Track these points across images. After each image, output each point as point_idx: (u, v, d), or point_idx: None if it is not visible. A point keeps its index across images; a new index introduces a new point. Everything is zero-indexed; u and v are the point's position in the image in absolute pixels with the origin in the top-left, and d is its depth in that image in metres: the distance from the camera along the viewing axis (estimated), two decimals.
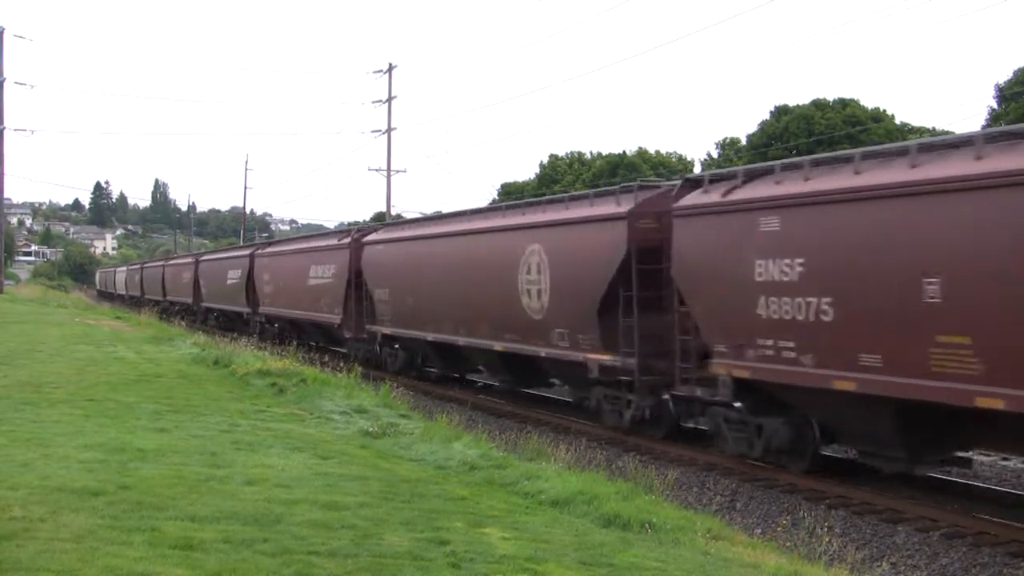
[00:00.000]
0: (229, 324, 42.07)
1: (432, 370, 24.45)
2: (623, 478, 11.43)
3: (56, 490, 7.70)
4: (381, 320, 24.67)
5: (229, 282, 40.55)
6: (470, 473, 10.11)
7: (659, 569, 6.89)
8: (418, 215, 38.21)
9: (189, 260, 51.87)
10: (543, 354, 17.33)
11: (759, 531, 10.80)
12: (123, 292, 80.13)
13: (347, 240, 27.29)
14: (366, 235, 26.94)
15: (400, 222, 31.80)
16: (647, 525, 8.15)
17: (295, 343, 26.45)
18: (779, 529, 10.63)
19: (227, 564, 6.02)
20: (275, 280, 34.94)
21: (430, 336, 21.87)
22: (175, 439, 10.50)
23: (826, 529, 10.23)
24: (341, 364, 23.06)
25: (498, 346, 18.84)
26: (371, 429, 12.43)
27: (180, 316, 46.58)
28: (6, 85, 51.84)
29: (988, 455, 13.81)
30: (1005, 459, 13.70)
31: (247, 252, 39.32)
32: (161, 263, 63.41)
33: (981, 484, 12.38)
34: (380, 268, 24.84)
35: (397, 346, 24.75)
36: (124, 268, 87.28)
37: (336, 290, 27.59)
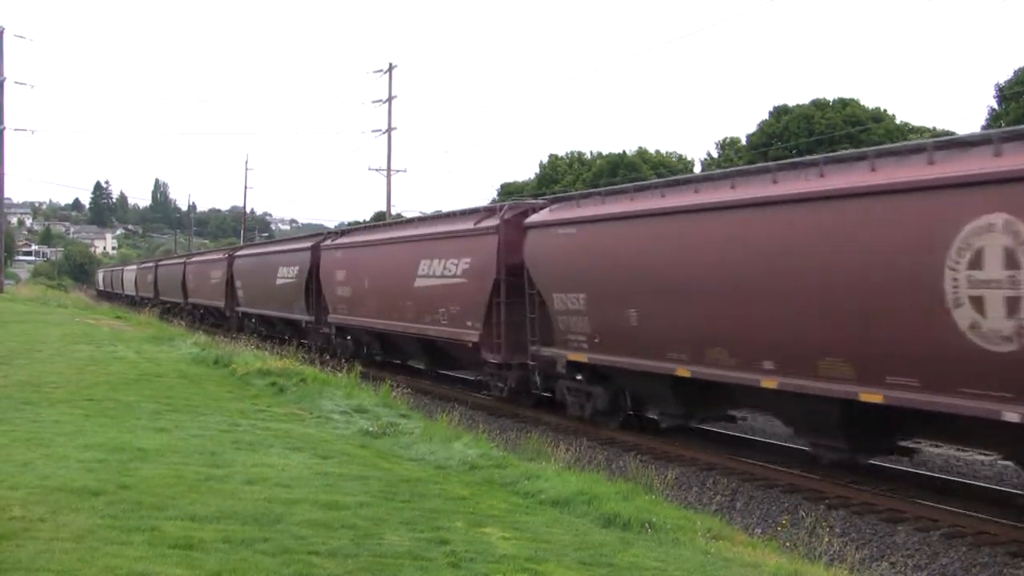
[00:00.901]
0: (277, 333, 34.57)
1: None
2: (623, 478, 11.44)
3: (56, 490, 7.70)
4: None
5: (280, 282, 33.41)
6: (470, 473, 10.11)
7: (659, 569, 6.89)
8: (418, 214, 38.45)
9: (220, 256, 45.88)
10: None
11: (759, 531, 10.80)
12: (132, 293, 75.16)
13: (494, 223, 19.29)
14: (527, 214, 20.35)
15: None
16: (647, 525, 8.14)
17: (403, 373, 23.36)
18: (779, 529, 10.63)
19: (227, 564, 6.01)
20: (358, 279, 27.06)
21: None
22: (175, 439, 10.50)
23: (826, 529, 10.23)
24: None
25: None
26: (371, 429, 12.43)
27: (204, 321, 44.85)
28: (6, 85, 51.84)
29: (987, 454, 13.80)
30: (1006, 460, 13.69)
31: (307, 244, 31.78)
32: (181, 260, 56.24)
33: (983, 484, 12.40)
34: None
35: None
36: (134, 266, 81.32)
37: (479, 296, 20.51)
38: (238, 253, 42.77)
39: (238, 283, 40.33)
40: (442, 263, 20.94)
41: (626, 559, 7.03)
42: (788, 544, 9.60)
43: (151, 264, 69.44)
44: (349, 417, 13.46)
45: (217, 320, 44.74)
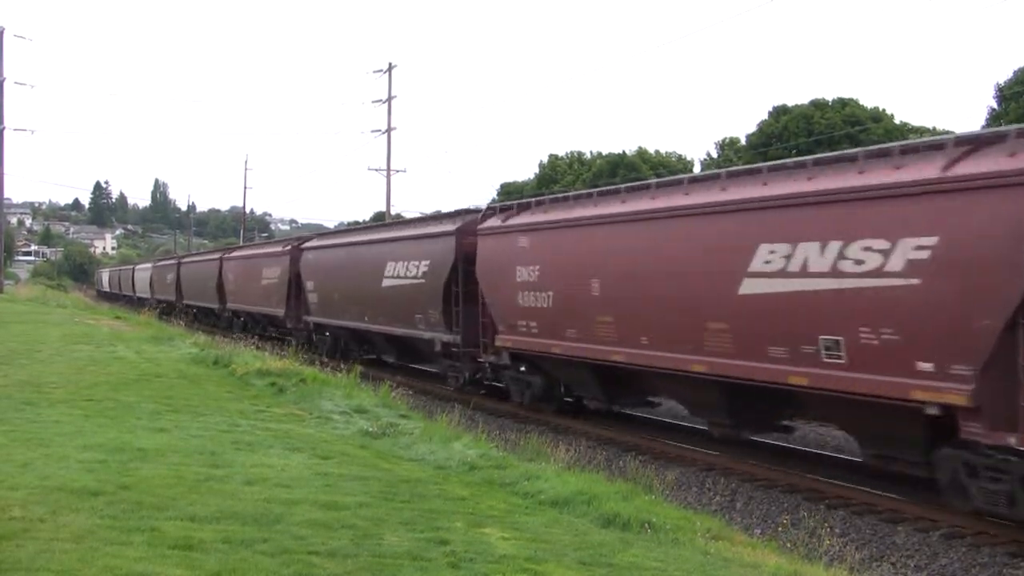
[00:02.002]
0: (376, 355, 28.03)
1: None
2: (622, 478, 11.44)
3: (56, 490, 7.70)
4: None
5: (388, 283, 23.82)
6: (470, 473, 10.11)
7: (659, 569, 6.89)
8: (418, 214, 38.47)
9: (275, 250, 35.42)
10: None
11: (759, 531, 10.80)
12: (145, 295, 65.79)
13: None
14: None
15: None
16: (647, 525, 8.15)
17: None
18: (779, 529, 10.63)
19: (227, 564, 6.01)
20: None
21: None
22: (175, 439, 10.50)
23: (826, 529, 10.22)
24: None
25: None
26: (371, 429, 12.43)
27: (249, 332, 35.62)
28: (6, 85, 51.88)
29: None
30: None
31: (442, 228, 21.85)
32: (216, 255, 46.32)
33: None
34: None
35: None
36: (148, 265, 71.36)
37: None
38: (307, 245, 32.01)
39: (309, 284, 30.36)
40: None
41: (626, 559, 7.03)
42: (788, 544, 9.60)
43: (171, 262, 59.90)
44: (349, 417, 13.46)
45: (275, 332, 35.38)
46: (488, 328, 19.23)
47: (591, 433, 16.28)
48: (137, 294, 71.22)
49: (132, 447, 9.75)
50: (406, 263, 23.01)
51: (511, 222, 18.54)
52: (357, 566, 6.22)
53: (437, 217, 24.40)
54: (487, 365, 19.79)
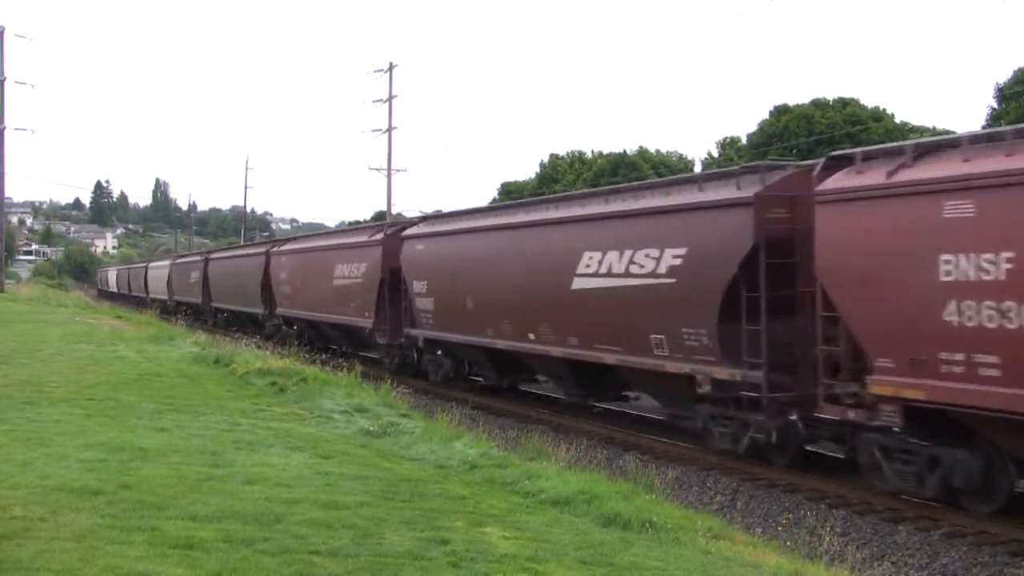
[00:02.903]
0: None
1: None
2: (623, 477, 11.44)
3: (57, 489, 7.70)
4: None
5: (604, 284, 16.02)
6: (471, 472, 10.11)
7: (660, 568, 6.89)
8: (419, 213, 38.21)
9: (357, 240, 27.31)
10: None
11: (760, 530, 10.79)
12: (162, 296, 57.59)
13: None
14: None
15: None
16: (647, 524, 8.14)
17: None
18: (780, 528, 10.63)
19: (228, 563, 6.01)
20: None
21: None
22: (176, 438, 10.50)
23: (827, 528, 10.22)
24: None
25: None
26: (372, 428, 12.43)
27: (312, 348, 27.75)
28: (7, 84, 51.87)
29: None
30: None
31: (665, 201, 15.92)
32: (261, 249, 37.54)
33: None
34: None
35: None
36: (165, 263, 61.46)
37: None
38: (411, 232, 23.73)
39: (418, 286, 22.29)
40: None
41: (626, 559, 7.03)
42: (789, 544, 9.59)
43: (196, 258, 51.32)
44: (350, 417, 13.46)
45: (347, 347, 29.42)
46: (837, 359, 12.64)
47: (592, 432, 16.27)
48: (151, 295, 61.84)
49: (133, 446, 9.76)
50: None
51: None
52: (358, 565, 6.22)
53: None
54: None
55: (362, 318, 25.23)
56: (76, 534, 6.49)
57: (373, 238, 25.38)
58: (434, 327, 21.44)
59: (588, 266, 15.51)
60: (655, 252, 14.02)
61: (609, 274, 15.01)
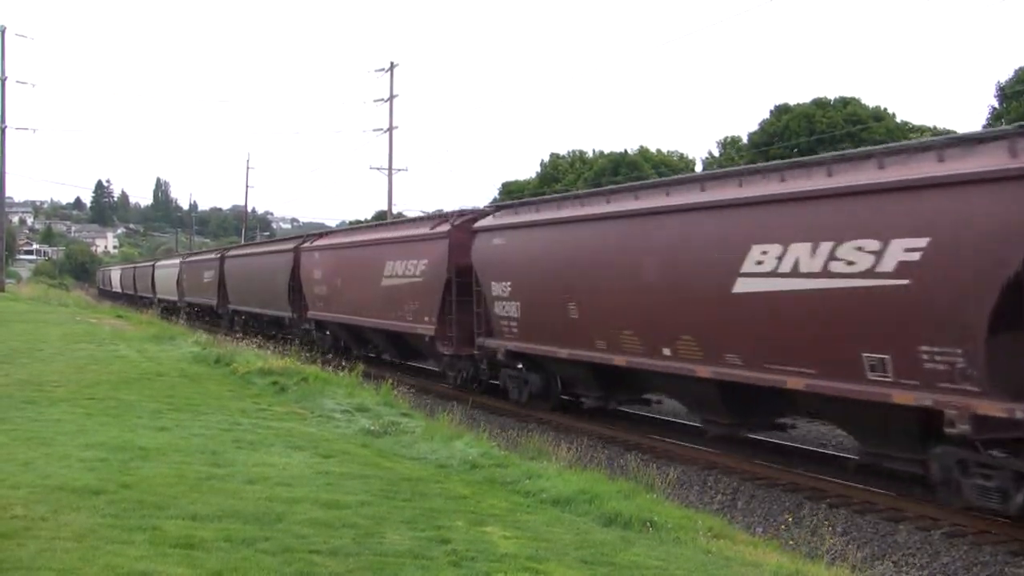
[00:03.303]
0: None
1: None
2: (624, 477, 11.43)
3: (57, 489, 7.70)
4: None
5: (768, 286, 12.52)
6: (471, 472, 10.11)
7: (660, 568, 6.88)
8: (420, 213, 38.02)
9: (416, 232, 22.99)
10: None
11: (760, 530, 10.79)
12: (172, 297, 53.57)
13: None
14: None
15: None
16: (648, 524, 8.14)
17: None
18: (781, 528, 10.62)
19: (228, 563, 6.01)
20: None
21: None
22: (176, 438, 10.50)
23: (828, 528, 10.22)
24: None
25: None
26: (372, 428, 12.44)
27: (363, 357, 26.17)
28: (8, 84, 51.93)
29: None
30: None
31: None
32: (289, 245, 33.03)
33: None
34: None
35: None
36: (175, 261, 57.09)
37: None
38: (484, 224, 19.52)
39: (499, 288, 18.52)
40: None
41: (627, 558, 7.03)
42: (790, 543, 9.59)
43: (211, 256, 46.75)
44: (350, 416, 13.46)
45: (395, 357, 26.66)
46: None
47: (593, 432, 16.27)
48: (159, 295, 58.53)
49: (133, 446, 9.76)
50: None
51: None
52: (359, 565, 6.22)
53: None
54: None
55: (421, 324, 21.27)
56: (77, 533, 6.49)
57: (437, 230, 21.09)
58: (519, 338, 17.72)
59: (760, 263, 12.03)
60: (874, 244, 10.52)
61: (794, 273, 11.50)
